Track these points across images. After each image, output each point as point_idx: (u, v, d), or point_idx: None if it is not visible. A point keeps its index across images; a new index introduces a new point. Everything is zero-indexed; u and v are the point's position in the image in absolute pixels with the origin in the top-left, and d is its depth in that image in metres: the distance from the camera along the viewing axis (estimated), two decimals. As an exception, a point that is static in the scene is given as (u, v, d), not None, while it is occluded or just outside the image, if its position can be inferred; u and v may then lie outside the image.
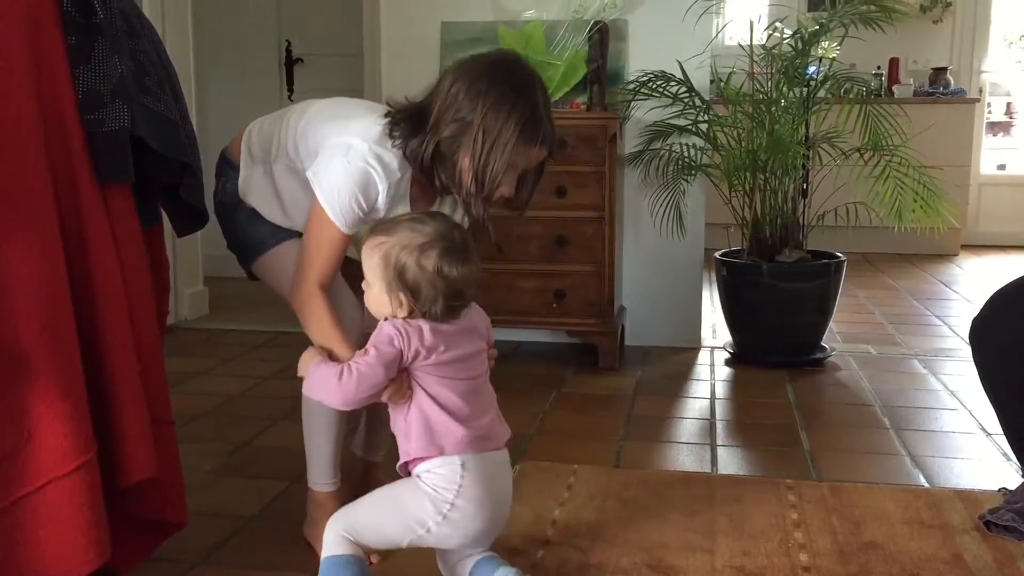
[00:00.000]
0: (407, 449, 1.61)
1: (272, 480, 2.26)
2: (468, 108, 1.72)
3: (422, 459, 1.59)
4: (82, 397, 1.51)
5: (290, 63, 4.87)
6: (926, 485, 2.27)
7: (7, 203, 1.41)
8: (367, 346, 1.60)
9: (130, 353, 1.59)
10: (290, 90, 4.88)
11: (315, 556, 1.84)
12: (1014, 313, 1.99)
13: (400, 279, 1.57)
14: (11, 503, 1.47)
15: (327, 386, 1.60)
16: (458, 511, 1.57)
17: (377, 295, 1.60)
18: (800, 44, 3.28)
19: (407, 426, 1.61)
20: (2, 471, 1.46)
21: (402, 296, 1.57)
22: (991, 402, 2.07)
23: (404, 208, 1.84)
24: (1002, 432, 2.10)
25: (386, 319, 1.61)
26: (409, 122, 1.77)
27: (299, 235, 1.88)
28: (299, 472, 2.28)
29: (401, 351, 1.57)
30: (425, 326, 1.58)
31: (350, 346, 1.72)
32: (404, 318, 1.59)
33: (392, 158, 1.75)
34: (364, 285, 1.64)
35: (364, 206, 1.74)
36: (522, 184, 1.85)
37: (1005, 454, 2.46)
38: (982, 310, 2.06)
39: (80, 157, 1.52)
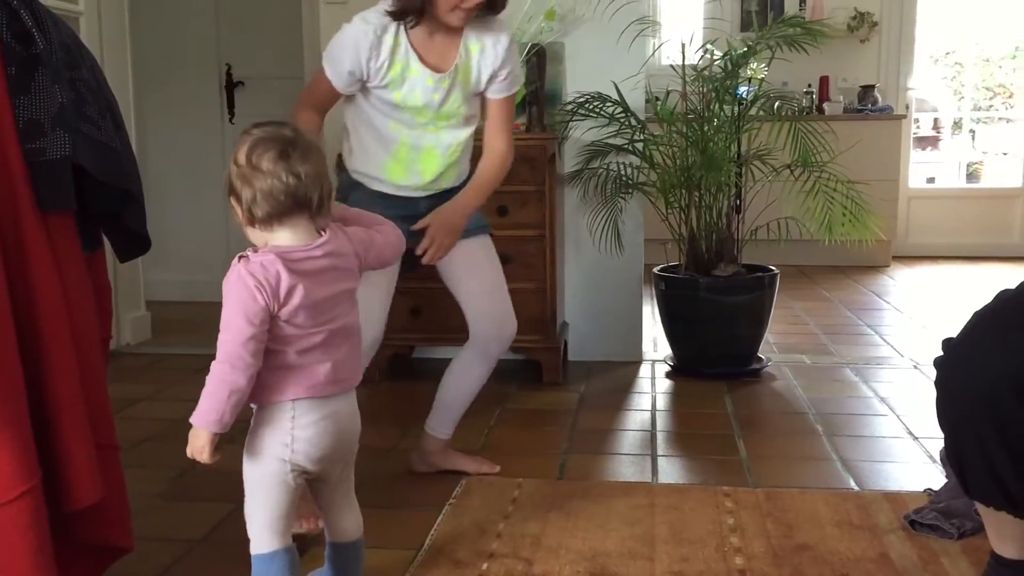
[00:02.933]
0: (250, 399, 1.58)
1: (218, 503, 2.26)
2: None
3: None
4: (26, 423, 1.52)
5: (231, 86, 4.87)
6: (856, 488, 2.36)
7: (-52, 232, 1.42)
8: (223, 316, 1.50)
9: (73, 378, 1.60)
10: (231, 113, 4.88)
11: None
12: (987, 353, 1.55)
13: (228, 183, 1.54)
14: (-46, 531, 1.47)
15: (213, 384, 1.51)
16: (300, 443, 1.56)
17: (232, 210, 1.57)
18: (730, 65, 3.40)
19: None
20: (-55, 499, 1.46)
21: (232, 201, 1.54)
22: (944, 428, 1.63)
23: (416, 66, 2.11)
24: (939, 439, 1.85)
25: (239, 258, 1.52)
26: None
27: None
28: (244, 494, 2.30)
29: (266, 301, 1.49)
30: (278, 263, 1.50)
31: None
32: (251, 231, 1.55)
33: (374, 15, 2.09)
34: None
35: (354, 60, 2.09)
36: None
37: (931, 457, 2.56)
38: (959, 334, 1.63)
39: (21, 185, 1.54)
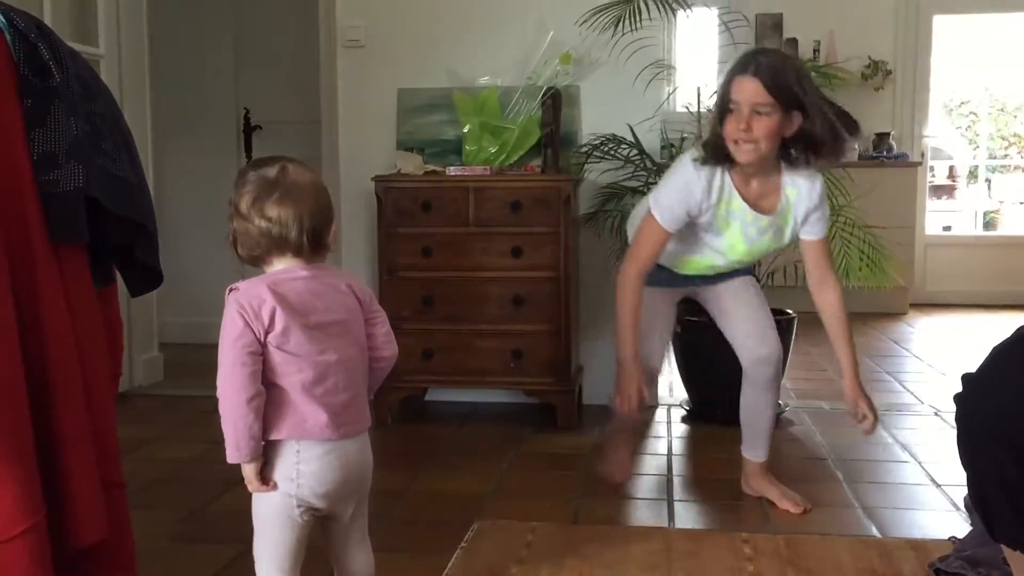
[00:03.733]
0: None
1: (226, 545, 2.23)
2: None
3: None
4: (31, 459, 1.50)
5: (248, 131, 4.91)
6: (878, 535, 2.30)
7: (-42, 262, 1.41)
8: (220, 345, 1.52)
9: (81, 414, 1.58)
10: (248, 157, 4.91)
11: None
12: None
13: (230, 222, 1.56)
14: (-44, 568, 1.44)
15: (228, 417, 1.50)
16: (306, 477, 1.53)
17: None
18: (745, 109, 3.39)
19: None
20: (-53, 535, 1.43)
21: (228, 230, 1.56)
22: (966, 466, 1.61)
23: (738, 203, 2.30)
24: (963, 486, 1.87)
25: (229, 290, 1.54)
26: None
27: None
28: (253, 537, 2.26)
29: (250, 325, 1.50)
30: (262, 288, 1.52)
31: (631, 348, 2.35)
32: (253, 260, 1.57)
33: (700, 167, 2.28)
34: None
35: (690, 203, 2.28)
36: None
37: (955, 504, 2.50)
38: (979, 369, 1.64)
39: (34, 218, 1.53)
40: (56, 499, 1.54)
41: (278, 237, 1.54)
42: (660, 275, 2.47)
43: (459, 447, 3.14)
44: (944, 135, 7.41)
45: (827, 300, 2.42)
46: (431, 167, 3.47)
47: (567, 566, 2.07)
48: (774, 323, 2.55)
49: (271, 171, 1.56)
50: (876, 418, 2.35)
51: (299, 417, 1.53)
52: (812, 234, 2.37)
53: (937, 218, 7.02)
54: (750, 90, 2.17)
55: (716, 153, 2.25)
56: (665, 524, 2.40)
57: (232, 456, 1.52)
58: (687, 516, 2.47)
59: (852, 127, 2.25)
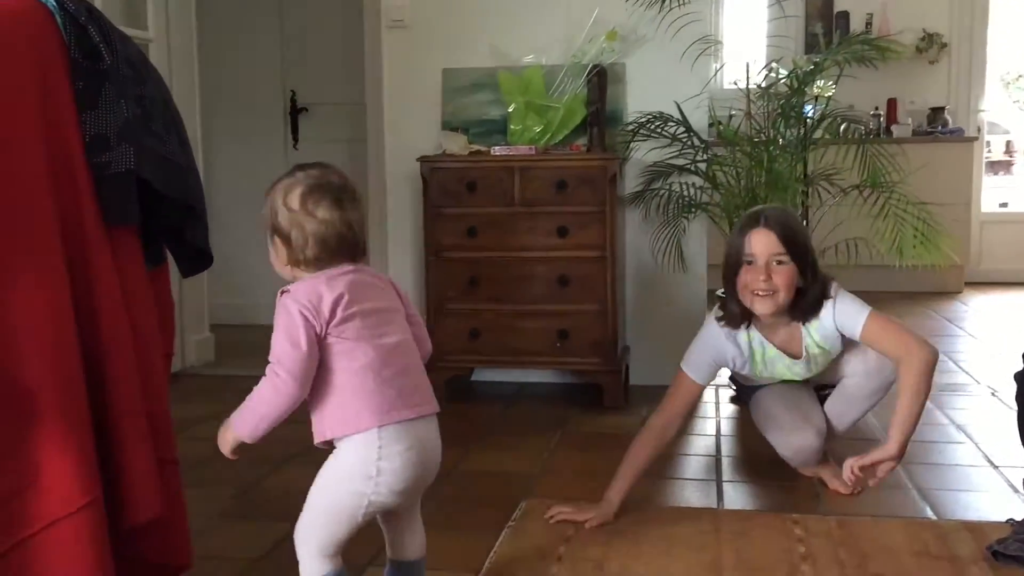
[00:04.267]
0: (322, 429, 1.58)
1: (278, 522, 2.25)
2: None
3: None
4: (88, 437, 1.52)
5: (295, 112, 4.94)
6: (933, 517, 2.26)
7: (16, 244, 1.44)
8: (274, 339, 1.54)
9: (135, 392, 1.61)
10: (295, 139, 4.95)
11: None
12: None
13: (273, 226, 1.57)
14: (16, 544, 1.47)
15: (265, 402, 1.54)
16: (385, 475, 1.53)
17: (271, 250, 1.62)
18: (796, 83, 3.33)
19: (322, 410, 1.57)
20: (7, 512, 1.46)
21: (277, 242, 1.57)
22: None
23: (772, 352, 2.37)
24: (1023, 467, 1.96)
25: (281, 292, 1.57)
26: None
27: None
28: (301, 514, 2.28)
29: (311, 321, 1.52)
30: (323, 283, 1.54)
31: (616, 488, 2.23)
32: (303, 269, 1.57)
33: (725, 326, 2.35)
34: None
35: (718, 358, 2.37)
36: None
37: (1013, 485, 2.44)
38: None
39: (87, 199, 1.55)
40: (112, 477, 1.56)
41: (353, 242, 1.57)
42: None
43: (506, 427, 3.14)
44: (1001, 109, 7.22)
45: (904, 365, 2.30)
46: (476, 147, 3.46)
47: (614, 545, 2.07)
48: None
49: (334, 176, 1.59)
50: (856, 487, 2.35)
51: (376, 401, 1.54)
52: (855, 333, 2.31)
53: (993, 194, 6.85)
54: (766, 242, 2.22)
55: (736, 312, 2.31)
56: (714, 505, 2.38)
57: (242, 432, 1.56)
58: (736, 497, 2.45)
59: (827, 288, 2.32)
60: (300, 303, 1.53)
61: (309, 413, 1.63)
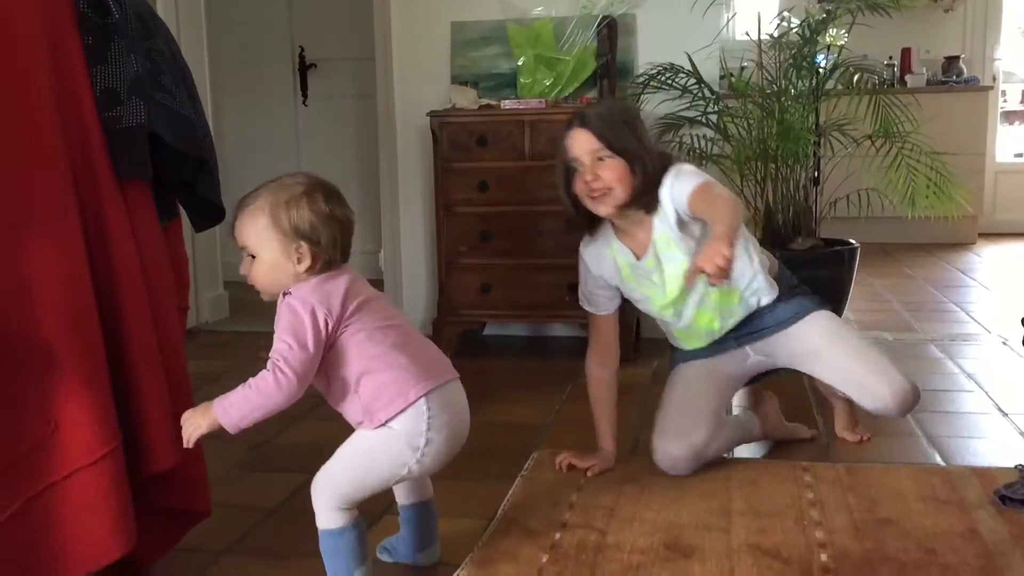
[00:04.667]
0: (371, 416, 1.60)
1: (294, 473, 2.29)
2: None
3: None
4: (107, 387, 1.55)
5: (304, 68, 4.92)
6: (942, 464, 2.27)
7: (30, 199, 1.45)
8: (280, 337, 1.55)
9: (151, 344, 1.63)
10: (304, 95, 4.93)
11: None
12: None
13: (297, 231, 1.56)
14: (39, 492, 1.51)
15: (264, 395, 1.54)
16: (432, 444, 1.59)
17: (272, 261, 1.58)
18: (808, 32, 3.30)
19: (361, 398, 1.60)
20: (30, 461, 1.50)
21: (303, 246, 1.56)
22: None
23: (648, 277, 2.18)
24: None
25: (284, 295, 1.58)
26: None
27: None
28: (318, 466, 2.32)
29: (323, 319, 1.54)
30: (327, 282, 1.58)
31: (602, 435, 2.25)
32: (306, 273, 1.58)
33: (587, 244, 2.24)
34: (246, 265, 1.62)
35: (593, 283, 2.24)
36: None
37: (1021, 432, 2.46)
38: None
39: (99, 154, 1.57)
40: (129, 428, 1.59)
41: (350, 236, 1.61)
42: (687, 352, 2.33)
43: (517, 380, 3.17)
44: (1017, 58, 7.11)
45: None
46: (486, 101, 3.44)
47: (625, 493, 2.10)
48: (880, 358, 2.20)
49: (310, 177, 1.62)
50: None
51: (414, 372, 1.59)
52: (683, 203, 2.05)
53: (1008, 144, 6.78)
54: (583, 141, 2.06)
55: (581, 220, 2.17)
56: (724, 454, 2.40)
57: (227, 421, 1.55)
58: (746, 446, 2.46)
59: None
60: (310, 303, 1.55)
61: (337, 409, 1.67)
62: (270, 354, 1.57)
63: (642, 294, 2.23)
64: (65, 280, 1.50)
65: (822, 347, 2.21)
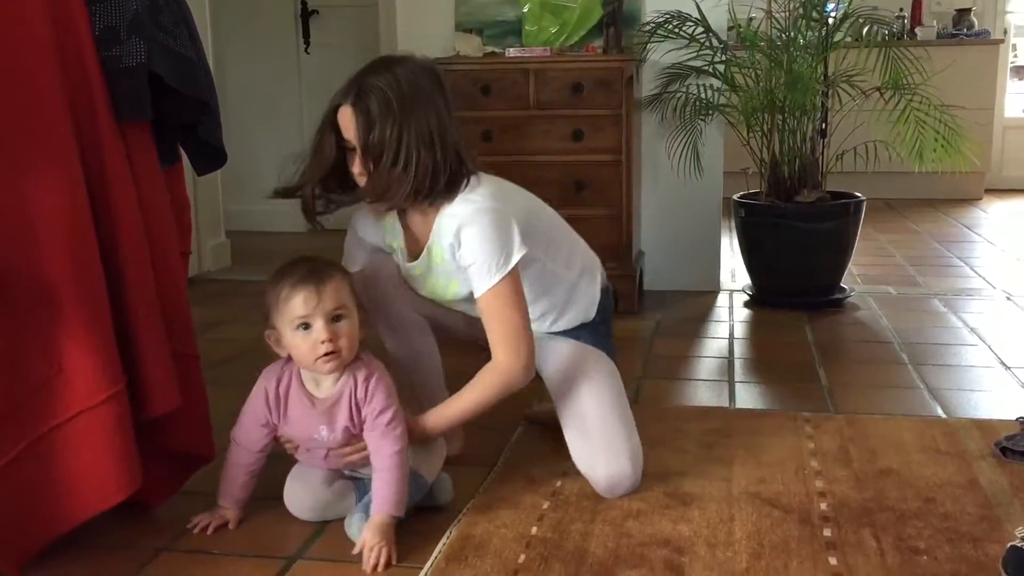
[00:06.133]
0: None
1: (296, 419, 2.30)
2: None
3: None
4: (109, 330, 1.55)
5: (306, 15, 4.85)
6: (943, 416, 2.28)
7: (28, 136, 1.44)
8: (388, 421, 1.68)
9: (150, 287, 1.63)
10: (307, 42, 4.87)
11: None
12: None
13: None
14: (44, 433, 1.52)
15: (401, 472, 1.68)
16: None
17: (356, 325, 1.67)
18: (818, -21, 3.24)
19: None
20: (35, 402, 1.50)
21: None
22: None
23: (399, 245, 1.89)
24: None
25: (361, 367, 1.69)
26: None
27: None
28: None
29: None
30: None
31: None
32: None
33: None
34: (328, 331, 1.63)
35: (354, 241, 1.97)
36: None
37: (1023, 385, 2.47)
38: None
39: (99, 94, 1.55)
40: (130, 372, 1.59)
41: None
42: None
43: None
44: (1029, 11, 7.01)
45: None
46: (490, 49, 3.40)
47: (628, 442, 2.10)
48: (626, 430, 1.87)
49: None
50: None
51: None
52: (476, 288, 1.75)
53: (1018, 100, 6.70)
54: (346, 122, 1.72)
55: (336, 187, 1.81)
56: (726, 404, 2.41)
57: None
58: (748, 397, 2.47)
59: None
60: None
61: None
62: (394, 421, 1.68)
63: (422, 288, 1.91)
64: (68, 223, 1.49)
65: (577, 374, 1.91)
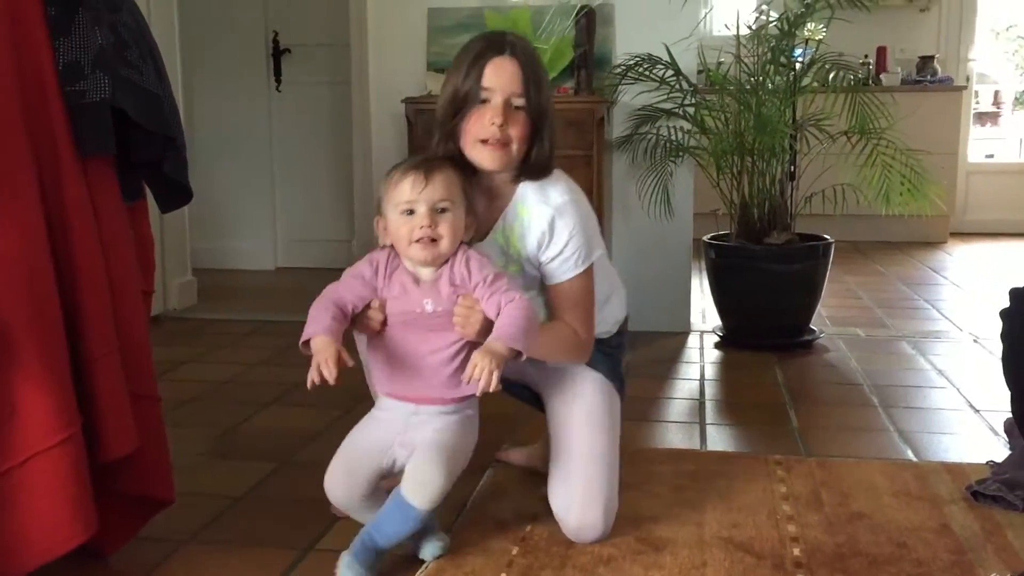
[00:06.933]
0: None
1: (259, 462, 2.25)
2: None
3: None
4: (66, 371, 1.51)
5: (277, 53, 4.85)
6: (914, 459, 2.27)
7: (-12, 173, 1.40)
8: (505, 284, 1.64)
9: (109, 328, 1.59)
10: (277, 80, 4.86)
11: (300, 533, 1.84)
12: None
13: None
14: (-4, 476, 1.46)
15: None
16: None
17: (460, 217, 1.65)
18: (786, 26, 3.29)
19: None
20: (-13, 444, 1.45)
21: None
22: (1010, 382, 1.95)
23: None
24: (1002, 412, 2.02)
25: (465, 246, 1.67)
26: None
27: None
28: (286, 454, 2.29)
29: None
30: None
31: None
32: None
33: None
34: (430, 218, 1.61)
35: None
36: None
37: (993, 429, 2.46)
38: None
39: (61, 130, 1.52)
40: (87, 414, 1.55)
41: None
42: None
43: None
44: (990, 59, 7.18)
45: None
46: (462, 89, 3.40)
47: (598, 485, 2.07)
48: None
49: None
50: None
51: None
52: (558, 273, 1.78)
53: (980, 145, 6.84)
54: (509, 75, 1.70)
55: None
56: (697, 447, 2.39)
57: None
58: (719, 439, 2.46)
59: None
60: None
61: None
62: (508, 282, 1.66)
63: None
64: (23, 259, 1.45)
65: (576, 407, 1.86)
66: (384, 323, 1.68)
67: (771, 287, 3.31)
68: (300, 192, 4.84)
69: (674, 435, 2.48)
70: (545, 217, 1.75)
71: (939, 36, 6.38)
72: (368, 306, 1.68)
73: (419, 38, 3.61)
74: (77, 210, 1.54)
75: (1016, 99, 7.27)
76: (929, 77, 6.08)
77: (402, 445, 1.68)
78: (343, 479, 1.68)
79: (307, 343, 1.61)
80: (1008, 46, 7.64)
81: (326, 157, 4.79)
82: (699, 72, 3.52)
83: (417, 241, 1.63)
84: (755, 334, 3.38)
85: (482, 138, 1.71)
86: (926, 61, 6.14)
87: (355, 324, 1.69)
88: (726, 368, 3.17)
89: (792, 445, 2.37)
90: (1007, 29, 7.53)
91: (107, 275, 1.60)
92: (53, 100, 1.50)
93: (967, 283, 4.65)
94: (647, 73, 3.37)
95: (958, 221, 6.32)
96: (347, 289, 1.68)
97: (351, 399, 2.50)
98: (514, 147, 1.72)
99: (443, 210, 1.64)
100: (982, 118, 7.11)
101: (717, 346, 3.41)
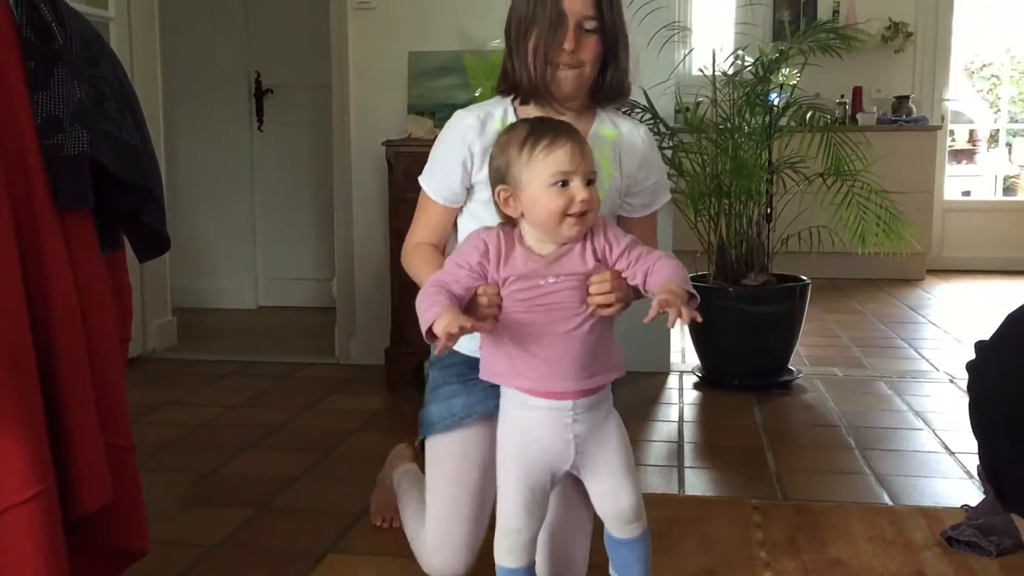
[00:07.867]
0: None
1: (237, 508, 2.24)
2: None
3: None
4: (40, 424, 1.49)
5: (260, 94, 4.88)
6: (890, 503, 2.29)
7: (-37, 227, 1.41)
8: (642, 247, 1.60)
9: (85, 380, 1.58)
10: (260, 121, 4.89)
11: (279, 583, 1.83)
12: None
13: None
14: (-33, 531, 1.45)
15: None
16: None
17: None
18: (761, 70, 3.34)
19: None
20: (-43, 499, 1.44)
21: None
22: (978, 433, 1.99)
23: None
24: (976, 454, 2.05)
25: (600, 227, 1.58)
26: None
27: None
28: (264, 499, 2.28)
29: None
30: None
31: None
32: None
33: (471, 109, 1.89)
34: (584, 189, 1.51)
35: (459, 156, 1.85)
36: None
37: (969, 472, 2.48)
38: (993, 336, 1.94)
39: (39, 183, 1.52)
40: (60, 466, 1.54)
41: None
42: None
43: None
44: (965, 98, 7.30)
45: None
46: (442, 131, 3.43)
47: (576, 532, 2.07)
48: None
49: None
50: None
51: None
52: (641, 209, 1.83)
53: (956, 183, 6.94)
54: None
55: (524, 82, 1.73)
56: (675, 491, 2.39)
57: None
58: (697, 483, 2.46)
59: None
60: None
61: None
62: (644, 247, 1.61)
63: None
64: (0, 314, 1.44)
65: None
66: (500, 308, 1.55)
67: (749, 328, 3.34)
68: (281, 231, 4.85)
69: (653, 479, 2.49)
70: (646, 141, 1.82)
71: (914, 76, 6.50)
72: (476, 293, 1.54)
73: (400, 80, 3.65)
74: (54, 262, 1.54)
75: (991, 137, 7.39)
76: (904, 117, 6.18)
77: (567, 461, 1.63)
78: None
79: (430, 332, 1.48)
80: (982, 84, 7.78)
81: (307, 196, 4.81)
82: (676, 112, 3.57)
83: (572, 215, 1.51)
84: (734, 375, 3.40)
85: (556, 61, 1.70)
86: (901, 101, 6.24)
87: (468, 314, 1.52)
88: (705, 409, 3.18)
89: (770, 489, 2.38)
90: (981, 68, 7.68)
91: (84, 326, 1.59)
92: (31, 153, 1.51)
93: (944, 321, 4.69)
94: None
95: (935, 258, 6.39)
96: (453, 279, 1.54)
97: (332, 443, 2.50)
98: (587, 69, 1.72)
99: (591, 182, 1.54)
100: (958, 155, 7.22)
101: (696, 387, 3.43)
